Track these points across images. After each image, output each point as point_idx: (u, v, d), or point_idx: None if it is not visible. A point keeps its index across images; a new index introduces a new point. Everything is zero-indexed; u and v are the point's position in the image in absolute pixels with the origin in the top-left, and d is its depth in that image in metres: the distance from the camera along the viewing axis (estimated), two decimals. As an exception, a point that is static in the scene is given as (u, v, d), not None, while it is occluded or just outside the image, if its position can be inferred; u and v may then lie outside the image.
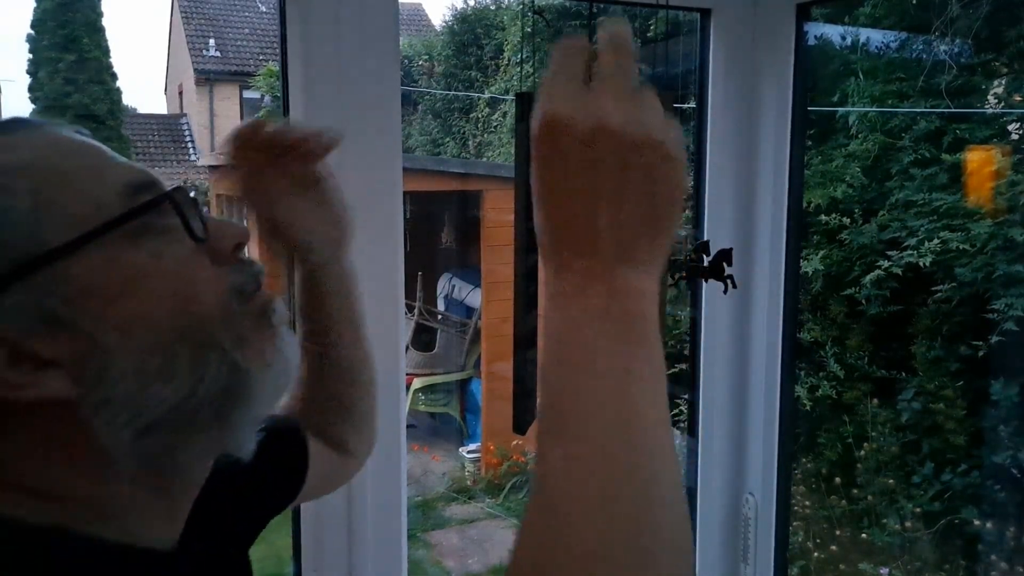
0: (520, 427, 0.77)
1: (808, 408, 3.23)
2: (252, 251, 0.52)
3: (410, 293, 5.19)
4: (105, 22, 6.66)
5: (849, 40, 3.43)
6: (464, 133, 6.26)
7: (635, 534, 0.35)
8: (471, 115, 6.29)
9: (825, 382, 3.21)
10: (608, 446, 0.36)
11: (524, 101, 0.73)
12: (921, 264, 2.94)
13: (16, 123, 0.45)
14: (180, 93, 9.87)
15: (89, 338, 0.40)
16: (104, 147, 0.46)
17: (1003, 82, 3.20)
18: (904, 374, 3.12)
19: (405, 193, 1.01)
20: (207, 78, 8.83)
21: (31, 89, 6.51)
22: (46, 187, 0.41)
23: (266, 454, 0.53)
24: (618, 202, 0.38)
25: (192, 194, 0.47)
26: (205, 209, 0.58)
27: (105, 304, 0.41)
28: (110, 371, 0.41)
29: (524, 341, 0.71)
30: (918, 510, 2.98)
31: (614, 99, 0.38)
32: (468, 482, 4.47)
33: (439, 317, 5.55)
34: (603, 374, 0.37)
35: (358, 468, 0.77)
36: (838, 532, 3.12)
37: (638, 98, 0.39)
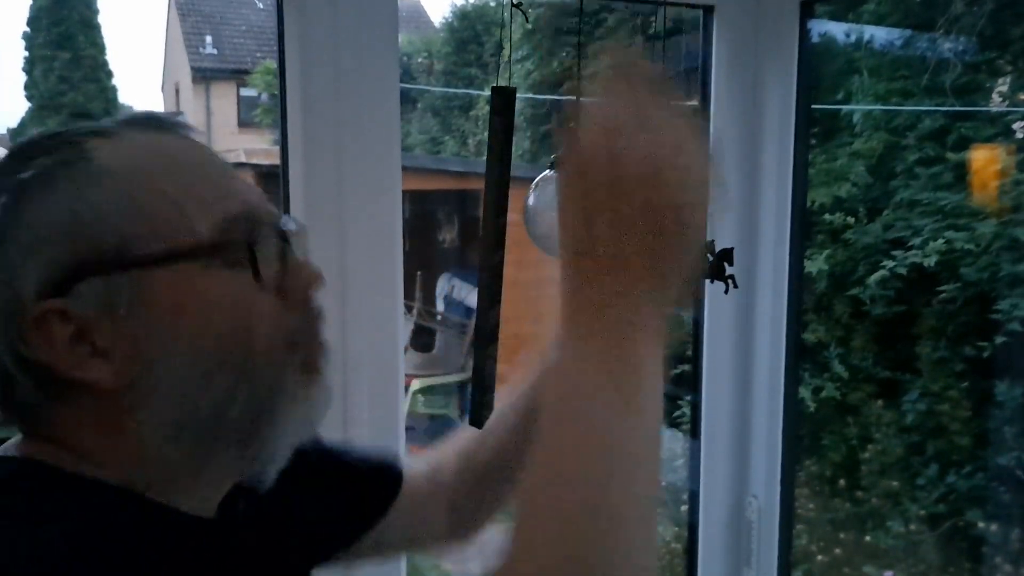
0: (476, 421, 0.76)
1: (812, 410, 3.22)
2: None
3: (409, 293, 5.18)
4: (100, 19, 6.65)
5: (853, 37, 3.42)
6: (464, 131, 6.25)
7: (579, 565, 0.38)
8: (471, 113, 6.28)
9: (829, 383, 3.20)
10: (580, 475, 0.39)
11: (499, 95, 0.71)
12: (926, 264, 2.93)
13: (177, 124, 0.49)
14: (176, 91, 9.86)
15: (139, 343, 0.44)
16: (225, 168, 0.50)
17: (1008, 80, 3.19)
18: (909, 375, 3.11)
19: (404, 192, 1.00)
20: (204, 76, 8.82)
21: (27, 87, 6.50)
22: (152, 201, 0.45)
23: (352, 473, 0.62)
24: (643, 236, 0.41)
25: (292, 225, 0.51)
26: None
27: (163, 317, 0.44)
28: (149, 377, 0.45)
29: (485, 336, 0.70)
30: (923, 512, 2.97)
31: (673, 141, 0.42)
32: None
33: (438, 318, 5.54)
34: (591, 421, 0.40)
35: (446, 549, 0.75)
36: (842, 535, 3.11)
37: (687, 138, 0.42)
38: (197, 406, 0.45)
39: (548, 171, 0.85)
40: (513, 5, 0.56)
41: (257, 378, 0.46)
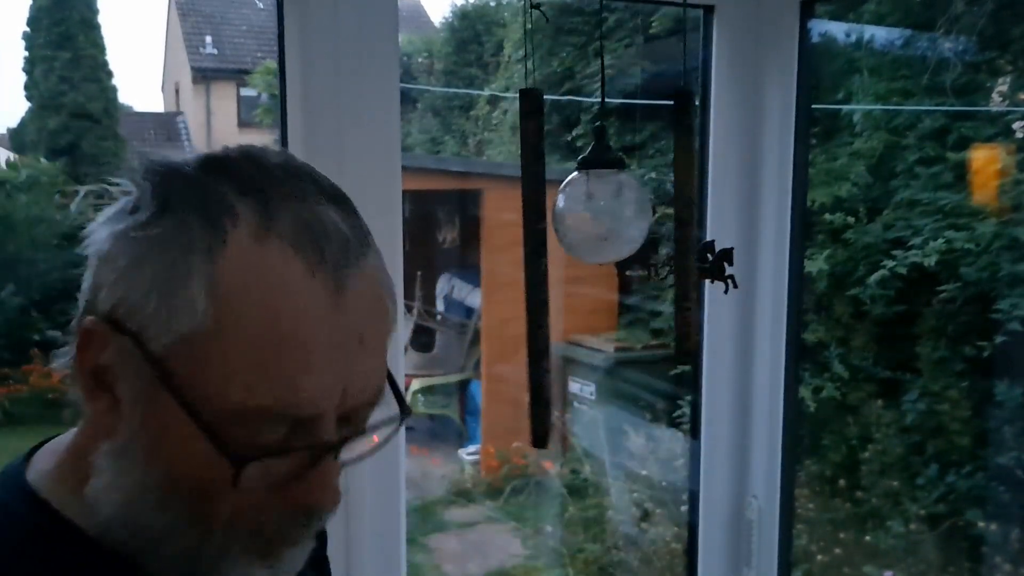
0: (540, 440, 0.72)
1: (812, 409, 3.22)
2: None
3: (409, 293, 5.17)
4: (101, 19, 6.64)
5: (853, 37, 3.42)
6: (464, 131, 6.24)
7: None
8: (471, 113, 6.28)
9: (829, 383, 3.20)
10: None
11: (527, 98, 0.71)
12: (926, 264, 2.93)
13: (362, 256, 0.48)
14: (176, 91, 9.85)
15: (133, 420, 0.44)
16: (332, 351, 0.43)
17: (1008, 80, 3.18)
18: (909, 375, 3.11)
19: (404, 192, 1.00)
20: (204, 76, 8.81)
21: (27, 87, 6.49)
22: (216, 349, 0.42)
23: None
24: None
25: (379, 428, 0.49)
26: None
27: (153, 430, 0.44)
28: (124, 456, 0.45)
29: (538, 353, 0.68)
30: (922, 512, 2.97)
31: None
32: (468, 485, 4.45)
33: (438, 318, 5.54)
34: None
35: None
36: (842, 535, 3.11)
37: None
38: (141, 520, 0.45)
39: (575, 173, 0.83)
40: (532, 6, 0.55)
41: (204, 539, 0.44)
